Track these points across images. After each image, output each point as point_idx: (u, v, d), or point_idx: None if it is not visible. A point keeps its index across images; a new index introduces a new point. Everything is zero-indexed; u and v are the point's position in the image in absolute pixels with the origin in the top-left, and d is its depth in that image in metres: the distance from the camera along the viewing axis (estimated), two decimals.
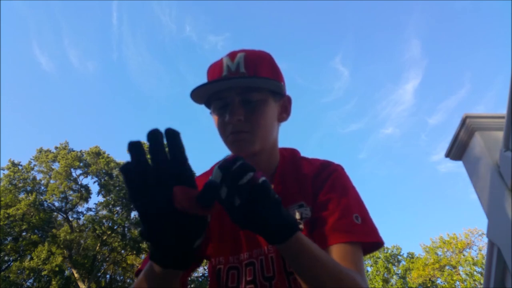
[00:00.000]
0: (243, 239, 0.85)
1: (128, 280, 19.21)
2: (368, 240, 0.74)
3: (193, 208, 0.48)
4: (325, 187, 0.82)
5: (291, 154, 0.93)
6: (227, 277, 0.84)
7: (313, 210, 0.81)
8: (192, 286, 17.56)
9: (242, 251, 0.84)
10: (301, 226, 0.80)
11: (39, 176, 17.95)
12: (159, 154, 0.49)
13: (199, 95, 0.80)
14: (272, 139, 0.85)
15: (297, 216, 0.81)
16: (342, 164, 0.90)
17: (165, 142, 0.50)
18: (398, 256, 23.48)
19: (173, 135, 0.48)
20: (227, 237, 0.86)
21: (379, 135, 41.88)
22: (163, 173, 0.49)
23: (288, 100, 0.90)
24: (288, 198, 0.83)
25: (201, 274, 17.89)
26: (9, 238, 15.76)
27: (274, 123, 0.84)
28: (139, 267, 0.80)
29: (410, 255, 23.35)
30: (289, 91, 0.90)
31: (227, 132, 0.79)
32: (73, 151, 18.20)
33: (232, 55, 0.81)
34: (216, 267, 0.85)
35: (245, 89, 0.78)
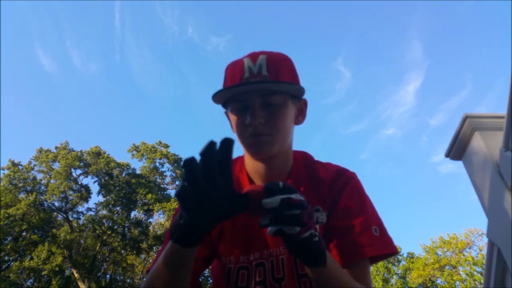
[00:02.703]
0: (254, 239, 0.85)
1: (128, 280, 19.20)
2: (386, 252, 0.78)
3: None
4: (344, 195, 0.83)
5: (304, 157, 0.95)
6: (237, 276, 0.84)
7: (330, 217, 0.83)
8: None
9: (253, 251, 0.85)
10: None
11: (39, 176, 17.99)
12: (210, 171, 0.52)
13: (220, 96, 0.80)
14: (288, 142, 0.86)
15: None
16: (354, 171, 0.92)
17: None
18: (398, 256, 23.47)
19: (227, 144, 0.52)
20: (238, 237, 0.86)
21: (381, 136, 41.80)
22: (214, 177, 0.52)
23: (305, 104, 0.91)
24: None
25: None
26: (9, 238, 15.76)
27: (291, 126, 0.85)
28: (148, 267, 0.83)
29: (410, 255, 23.34)
30: None
31: (247, 134, 0.79)
32: (73, 151, 18.20)
33: (253, 57, 0.81)
34: (226, 267, 0.86)
35: (266, 92, 0.79)
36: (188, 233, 0.58)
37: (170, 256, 0.63)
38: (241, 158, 0.95)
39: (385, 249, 0.77)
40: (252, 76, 0.78)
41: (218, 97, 0.80)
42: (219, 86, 0.88)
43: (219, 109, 0.91)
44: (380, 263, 22.68)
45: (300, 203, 0.50)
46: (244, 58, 0.82)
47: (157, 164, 19.40)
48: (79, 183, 18.07)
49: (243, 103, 0.80)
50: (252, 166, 0.89)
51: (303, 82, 0.89)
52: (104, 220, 17.44)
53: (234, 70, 0.83)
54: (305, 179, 0.88)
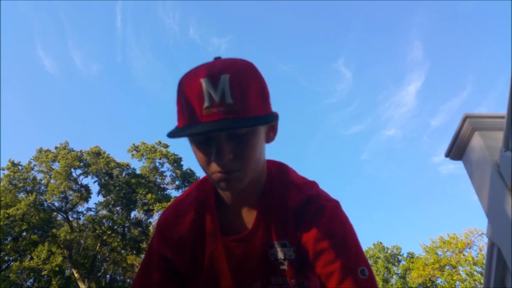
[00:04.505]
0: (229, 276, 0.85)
1: (128, 280, 19.20)
2: None
3: None
4: (316, 230, 0.74)
5: (278, 172, 0.85)
6: None
7: (304, 255, 0.76)
8: None
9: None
10: (285, 267, 0.78)
11: (39, 176, 17.99)
12: None
13: (178, 134, 0.65)
14: (260, 165, 0.76)
15: (281, 256, 0.78)
16: (336, 198, 0.82)
17: None
18: (398, 256, 23.49)
19: None
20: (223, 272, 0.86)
21: (381, 136, 41.98)
22: None
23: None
24: (270, 235, 0.79)
25: None
26: (9, 238, 15.76)
27: (263, 148, 0.75)
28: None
29: (410, 255, 23.35)
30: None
31: (213, 170, 0.67)
32: (73, 151, 18.20)
33: (213, 77, 0.63)
34: None
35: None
36: None
37: None
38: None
39: None
40: (214, 105, 0.62)
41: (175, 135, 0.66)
42: None
43: None
44: (380, 263, 22.68)
45: None
46: (200, 78, 0.63)
47: (157, 164, 19.40)
48: (79, 183, 18.07)
49: (205, 135, 0.66)
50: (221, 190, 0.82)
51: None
52: (104, 220, 17.43)
53: (190, 93, 0.64)
54: (275, 205, 0.80)
